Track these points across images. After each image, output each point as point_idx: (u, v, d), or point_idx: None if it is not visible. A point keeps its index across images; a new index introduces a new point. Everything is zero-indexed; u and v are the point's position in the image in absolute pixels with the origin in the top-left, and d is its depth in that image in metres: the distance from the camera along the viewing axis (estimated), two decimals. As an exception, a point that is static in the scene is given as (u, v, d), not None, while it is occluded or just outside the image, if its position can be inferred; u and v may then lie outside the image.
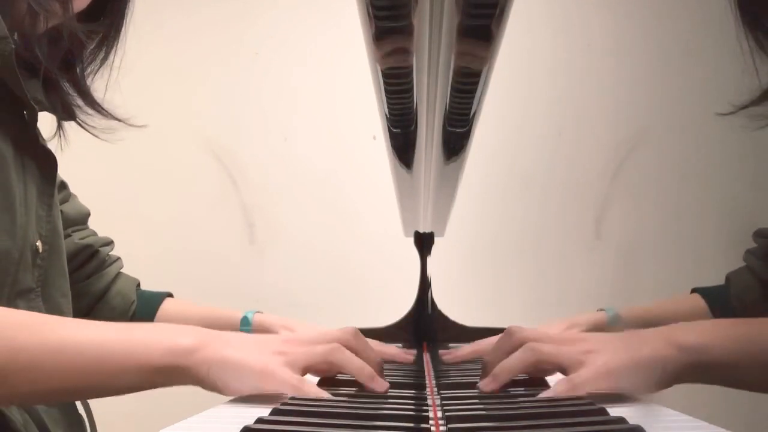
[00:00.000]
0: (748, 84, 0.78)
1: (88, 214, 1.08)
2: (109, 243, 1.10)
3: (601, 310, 1.16)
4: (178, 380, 0.64)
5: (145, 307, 1.09)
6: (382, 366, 0.72)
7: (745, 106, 0.80)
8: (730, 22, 0.78)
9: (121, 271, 1.11)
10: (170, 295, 1.14)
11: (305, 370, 0.66)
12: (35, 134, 0.81)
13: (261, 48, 1.99)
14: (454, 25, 0.55)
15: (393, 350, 1.06)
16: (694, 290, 1.14)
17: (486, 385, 0.68)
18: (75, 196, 1.07)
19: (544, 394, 0.64)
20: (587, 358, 0.64)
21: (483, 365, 0.74)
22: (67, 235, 1.02)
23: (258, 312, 1.14)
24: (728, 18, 0.77)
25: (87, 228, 1.08)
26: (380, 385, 0.68)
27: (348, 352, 0.68)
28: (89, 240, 1.05)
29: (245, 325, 1.12)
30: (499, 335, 0.74)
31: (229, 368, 0.63)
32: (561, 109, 1.96)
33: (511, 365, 0.67)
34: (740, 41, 0.78)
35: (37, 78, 0.79)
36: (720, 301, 1.09)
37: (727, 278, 1.14)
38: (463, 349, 1.05)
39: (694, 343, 0.62)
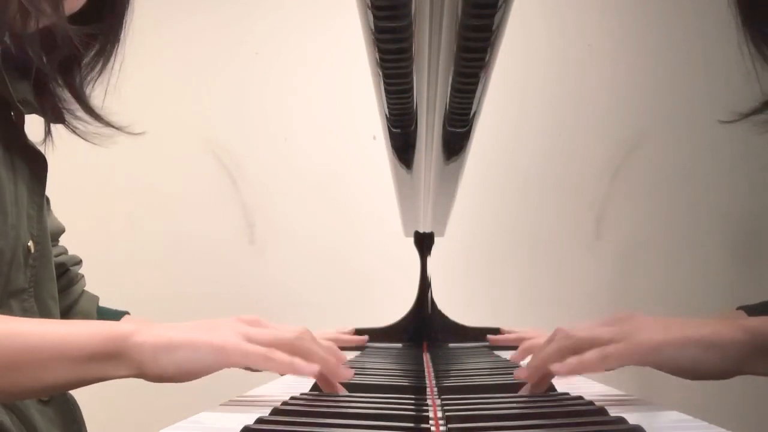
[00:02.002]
0: (750, 90, 0.78)
1: (63, 231, 1.07)
2: (79, 262, 1.09)
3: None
4: (117, 370, 0.61)
5: None
6: (343, 357, 0.70)
7: (747, 114, 0.79)
8: (731, 27, 0.77)
9: (84, 289, 1.10)
10: (127, 312, 1.14)
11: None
12: (23, 134, 0.80)
13: (261, 48, 1.99)
14: (454, 26, 0.55)
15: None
16: (739, 308, 1.12)
17: (520, 374, 0.67)
18: (51, 211, 1.06)
19: (570, 360, 0.61)
20: (630, 333, 0.60)
21: (530, 362, 0.71)
22: None
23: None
24: (729, 21, 0.77)
25: (59, 245, 1.08)
26: (345, 374, 0.67)
27: (314, 343, 0.66)
28: (62, 258, 1.04)
29: None
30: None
31: (181, 350, 0.60)
32: (561, 109, 1.96)
33: (546, 356, 0.65)
34: (741, 47, 0.77)
35: (27, 79, 0.79)
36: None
37: None
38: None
39: (762, 326, 0.58)
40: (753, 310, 1.05)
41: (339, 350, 0.71)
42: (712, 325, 0.60)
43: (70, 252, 1.06)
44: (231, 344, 0.61)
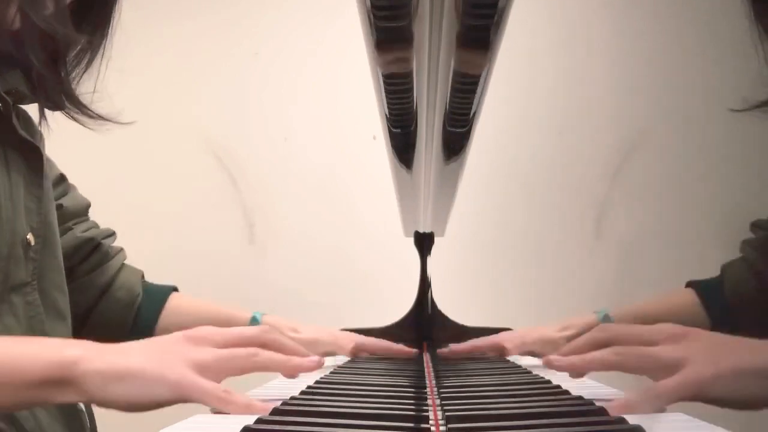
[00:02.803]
0: (755, 89, 0.77)
1: (89, 206, 1.05)
2: (111, 234, 1.07)
3: (593, 312, 1.14)
4: (64, 396, 0.59)
5: (150, 301, 1.06)
6: (304, 350, 0.68)
7: (758, 105, 0.79)
8: (734, 26, 0.77)
9: (124, 262, 1.08)
10: (176, 289, 1.11)
11: (225, 374, 0.62)
12: (13, 126, 0.79)
13: (261, 48, 1.99)
14: (454, 26, 0.55)
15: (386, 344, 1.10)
16: (688, 284, 1.12)
17: (556, 360, 0.67)
18: (75, 187, 1.04)
19: (619, 401, 0.58)
20: (681, 362, 0.56)
21: (566, 348, 0.70)
22: (69, 229, 0.99)
23: (265, 314, 1.12)
24: (728, 20, 0.77)
25: (88, 220, 1.05)
26: (310, 362, 0.65)
27: (268, 353, 0.64)
28: (91, 233, 1.02)
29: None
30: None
31: (134, 380, 0.58)
32: (561, 109, 1.96)
33: (591, 360, 0.64)
34: (753, 40, 0.76)
35: (18, 70, 0.78)
36: (713, 293, 1.06)
37: (722, 269, 1.11)
38: (462, 345, 1.05)
39: None
40: (701, 287, 1.05)
41: (297, 345, 0.68)
42: (765, 351, 0.56)
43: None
44: (187, 381, 0.58)
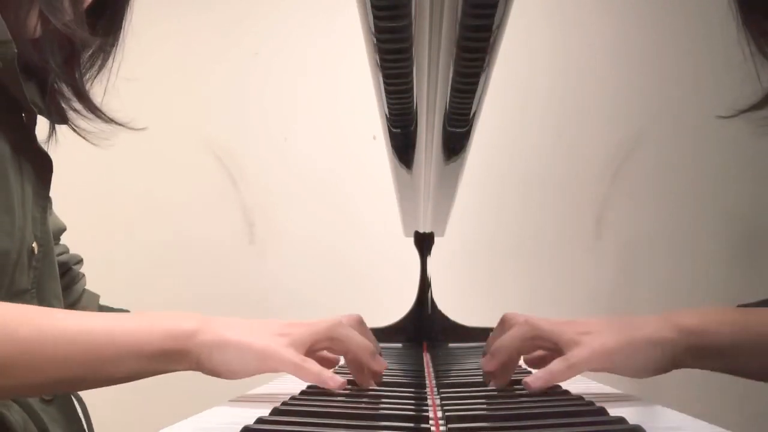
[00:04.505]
0: (750, 88, 0.78)
1: (64, 230, 1.08)
2: (80, 261, 1.10)
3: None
4: (178, 365, 0.64)
5: None
6: (380, 350, 0.72)
7: (746, 110, 0.80)
8: (731, 26, 0.77)
9: (85, 288, 1.11)
10: (127, 311, 1.15)
11: (308, 350, 0.66)
12: (33, 137, 0.81)
13: (261, 48, 1.99)
14: (454, 25, 0.55)
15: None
16: (740, 306, 1.13)
17: (486, 363, 0.69)
18: (53, 211, 1.07)
19: (539, 373, 0.64)
20: (584, 338, 0.64)
21: (485, 350, 0.74)
22: None
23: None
24: (729, 20, 0.77)
25: (60, 244, 1.08)
26: (380, 363, 0.69)
27: (351, 329, 0.68)
28: (64, 257, 1.05)
29: None
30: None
31: (231, 350, 0.63)
32: (561, 109, 1.96)
33: (508, 340, 0.68)
34: (741, 46, 0.78)
35: (33, 81, 0.79)
36: None
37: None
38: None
39: (695, 327, 0.62)
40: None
41: (375, 341, 0.72)
42: (652, 325, 0.64)
43: (72, 252, 1.06)
44: (271, 350, 0.64)
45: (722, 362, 0.63)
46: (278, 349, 0.64)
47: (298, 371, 0.64)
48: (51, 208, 1.03)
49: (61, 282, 1.03)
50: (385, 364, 0.70)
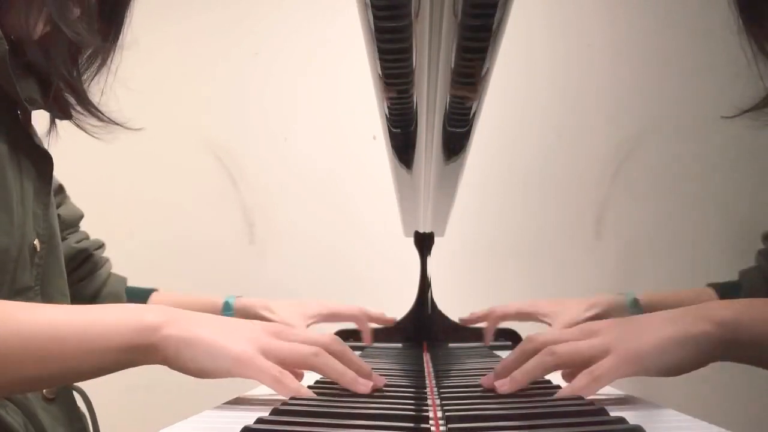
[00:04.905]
0: (753, 88, 0.78)
1: (82, 217, 1.10)
2: (101, 246, 1.13)
3: (621, 294, 1.19)
4: (145, 359, 0.62)
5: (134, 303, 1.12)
6: (368, 369, 0.69)
7: (748, 110, 0.80)
8: (733, 27, 0.78)
9: (111, 271, 1.14)
10: (156, 289, 1.17)
11: (283, 364, 0.64)
12: (29, 133, 0.81)
13: (261, 48, 1.99)
14: (454, 25, 0.55)
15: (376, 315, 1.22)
16: (709, 284, 1.15)
17: (502, 385, 0.67)
18: (69, 198, 1.08)
19: (562, 392, 0.62)
20: (611, 345, 0.62)
21: (499, 367, 0.72)
22: (63, 239, 1.03)
23: (239, 297, 1.19)
24: (730, 21, 0.78)
25: (80, 231, 1.10)
26: (363, 386, 0.66)
27: (330, 358, 0.66)
28: (84, 243, 1.08)
29: (227, 310, 1.17)
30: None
31: (201, 348, 0.61)
32: (561, 109, 1.96)
33: (530, 369, 0.65)
34: (743, 46, 0.78)
35: (32, 77, 0.79)
36: (731, 297, 1.09)
37: (740, 275, 1.15)
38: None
39: (731, 319, 0.61)
40: (721, 289, 1.10)
41: (362, 362, 0.69)
42: (683, 320, 0.62)
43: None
44: (246, 357, 0.61)
45: (758, 354, 0.61)
46: (254, 357, 0.62)
47: (274, 384, 0.62)
48: (66, 195, 1.06)
49: (84, 268, 1.06)
50: (370, 384, 0.67)
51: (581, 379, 0.61)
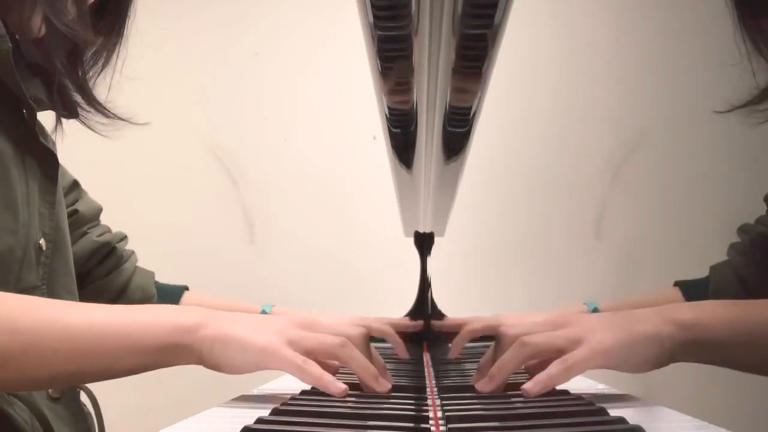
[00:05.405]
0: (747, 85, 0.78)
1: (101, 210, 1.10)
2: (124, 238, 1.13)
3: (584, 304, 1.18)
4: (181, 359, 0.64)
5: (164, 301, 1.11)
6: (385, 369, 0.71)
7: (742, 105, 0.80)
8: (729, 25, 0.78)
9: (137, 265, 1.13)
10: (186, 287, 1.16)
11: (308, 355, 0.65)
12: (35, 133, 0.81)
13: (261, 48, 1.99)
14: (454, 26, 0.55)
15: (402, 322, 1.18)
16: (676, 283, 1.15)
17: (484, 386, 0.68)
18: (86, 192, 1.08)
19: (538, 377, 0.63)
20: (582, 337, 0.64)
21: (479, 367, 0.73)
22: (84, 233, 1.03)
23: (275, 305, 1.18)
24: (726, 19, 0.78)
25: (101, 224, 1.10)
26: (382, 385, 0.68)
27: (355, 350, 0.67)
28: (107, 237, 1.07)
29: None
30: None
31: (232, 345, 0.63)
32: (561, 109, 1.96)
33: (506, 362, 0.67)
34: (737, 44, 0.78)
35: (38, 76, 0.79)
36: (698, 295, 1.08)
37: (710, 271, 1.14)
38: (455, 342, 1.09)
39: (691, 320, 0.63)
40: (686, 287, 1.09)
41: (382, 362, 0.71)
42: (648, 319, 0.64)
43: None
44: (272, 348, 0.63)
45: (719, 355, 0.63)
46: (280, 348, 0.63)
47: (298, 372, 0.63)
48: (84, 192, 1.06)
49: (108, 262, 1.06)
50: (389, 384, 0.69)
51: (556, 366, 0.62)
